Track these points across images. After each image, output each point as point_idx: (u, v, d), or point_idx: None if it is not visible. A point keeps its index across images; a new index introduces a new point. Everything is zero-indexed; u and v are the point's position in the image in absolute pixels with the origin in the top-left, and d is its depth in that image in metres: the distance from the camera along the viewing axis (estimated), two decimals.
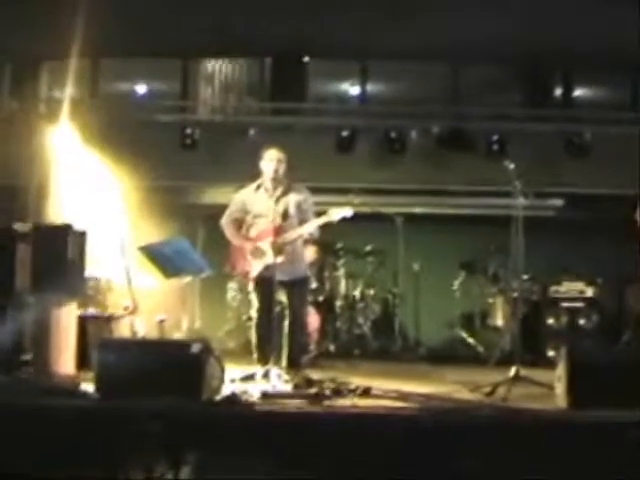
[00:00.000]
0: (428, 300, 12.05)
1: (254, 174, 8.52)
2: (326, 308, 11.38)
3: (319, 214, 8.34)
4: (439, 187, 13.09)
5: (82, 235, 8.01)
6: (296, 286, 8.47)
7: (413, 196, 13.19)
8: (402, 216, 11.56)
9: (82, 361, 7.90)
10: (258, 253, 8.36)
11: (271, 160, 8.40)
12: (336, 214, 8.16)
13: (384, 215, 11.40)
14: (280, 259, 8.20)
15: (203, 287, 11.15)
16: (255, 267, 8.44)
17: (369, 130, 13.15)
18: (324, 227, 8.38)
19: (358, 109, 14.29)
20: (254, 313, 8.53)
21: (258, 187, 8.52)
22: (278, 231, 8.33)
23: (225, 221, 8.61)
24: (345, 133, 13.15)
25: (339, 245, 11.76)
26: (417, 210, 12.89)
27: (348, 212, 8.11)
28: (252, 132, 12.85)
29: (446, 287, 12.04)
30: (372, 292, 11.96)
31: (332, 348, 11.24)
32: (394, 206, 11.95)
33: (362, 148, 13.25)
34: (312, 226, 8.33)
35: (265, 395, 7.27)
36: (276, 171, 8.35)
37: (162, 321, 9.90)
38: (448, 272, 12.07)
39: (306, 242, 8.85)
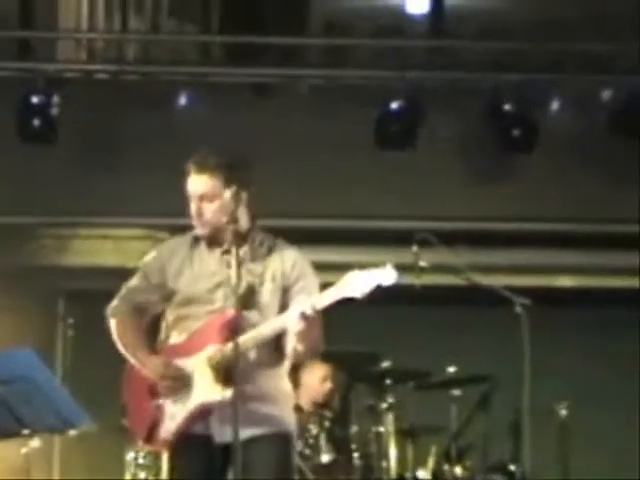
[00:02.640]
0: None
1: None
2: None
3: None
4: (614, 229, 9.09)
5: None
6: (268, 450, 5.20)
7: (553, 249, 9.39)
8: (529, 298, 7.52)
9: None
10: (178, 382, 5.05)
11: (216, 177, 5.35)
12: (363, 281, 5.05)
13: (489, 294, 7.67)
14: (228, 393, 5.07)
15: (71, 462, 8.70)
16: (172, 416, 5.06)
17: (450, 94, 9.01)
18: (344, 324, 6.32)
19: (423, 47, 9.84)
20: None
21: (196, 240, 5.48)
22: (230, 326, 5.20)
23: (117, 309, 5.33)
24: (396, 104, 9.03)
25: (384, 364, 8.11)
26: (565, 282, 9.61)
27: (388, 275, 5.01)
28: (182, 100, 8.99)
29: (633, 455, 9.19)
30: (462, 472, 7.97)
31: None
32: (511, 273, 8.92)
33: (433, 139, 9.11)
34: (305, 309, 5.02)
35: None
36: (237, 198, 5.29)
37: None
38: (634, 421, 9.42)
39: (299, 357, 5.45)
